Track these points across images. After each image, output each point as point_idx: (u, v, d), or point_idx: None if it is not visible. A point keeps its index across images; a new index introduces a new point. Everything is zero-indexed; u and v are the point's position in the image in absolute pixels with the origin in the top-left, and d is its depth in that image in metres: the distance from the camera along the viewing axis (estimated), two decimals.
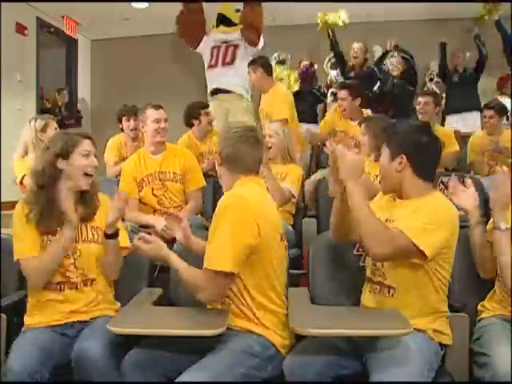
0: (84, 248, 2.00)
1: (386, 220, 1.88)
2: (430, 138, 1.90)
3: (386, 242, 1.70)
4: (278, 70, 6.48)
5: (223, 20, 5.33)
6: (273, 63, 6.09)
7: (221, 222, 1.73)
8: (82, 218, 2.01)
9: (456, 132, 4.33)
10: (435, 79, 6.22)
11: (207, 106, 4.19)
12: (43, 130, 3.09)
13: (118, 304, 2.09)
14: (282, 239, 1.88)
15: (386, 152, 1.92)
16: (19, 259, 1.94)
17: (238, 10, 5.49)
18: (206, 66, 4.89)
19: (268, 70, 4.29)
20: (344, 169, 1.76)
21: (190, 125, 4.12)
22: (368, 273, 1.97)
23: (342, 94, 4.02)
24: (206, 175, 3.32)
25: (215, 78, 4.75)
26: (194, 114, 4.07)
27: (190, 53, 5.12)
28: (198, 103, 4.17)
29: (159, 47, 6.90)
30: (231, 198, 1.78)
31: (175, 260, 1.81)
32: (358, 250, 2.11)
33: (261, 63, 4.27)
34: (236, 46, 4.86)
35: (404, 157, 1.85)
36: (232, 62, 5.13)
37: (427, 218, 1.75)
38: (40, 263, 1.92)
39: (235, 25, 5.27)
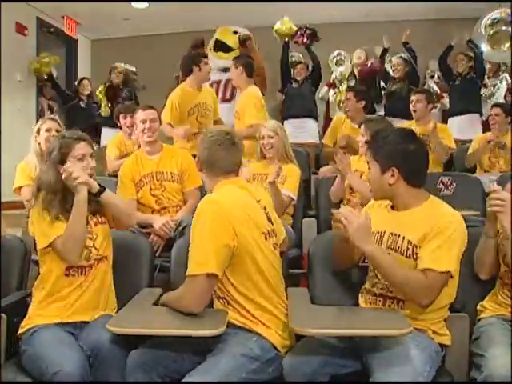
0: (98, 230, 2.09)
1: (383, 233, 1.89)
2: (416, 144, 1.87)
3: (431, 290, 1.73)
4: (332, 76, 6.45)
5: (221, 47, 5.36)
6: (332, 64, 6.12)
7: (197, 228, 1.76)
8: (92, 211, 2.08)
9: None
10: (435, 77, 6.22)
11: (207, 56, 4.10)
12: (38, 131, 3.05)
13: (117, 308, 2.12)
14: (267, 238, 1.86)
15: (375, 166, 1.88)
16: (51, 244, 1.95)
17: (235, 32, 5.51)
18: None
19: (248, 71, 4.17)
20: (355, 237, 1.73)
21: (188, 72, 3.99)
22: (367, 285, 1.96)
23: (348, 95, 4.25)
24: None
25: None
26: (195, 60, 3.97)
27: None
28: (199, 52, 4.08)
29: (159, 47, 6.90)
30: (204, 204, 1.80)
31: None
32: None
33: (244, 62, 4.20)
34: None
35: (395, 170, 1.83)
36: (231, 98, 5.16)
37: (442, 239, 1.74)
38: (68, 231, 1.95)
39: (233, 50, 5.30)
